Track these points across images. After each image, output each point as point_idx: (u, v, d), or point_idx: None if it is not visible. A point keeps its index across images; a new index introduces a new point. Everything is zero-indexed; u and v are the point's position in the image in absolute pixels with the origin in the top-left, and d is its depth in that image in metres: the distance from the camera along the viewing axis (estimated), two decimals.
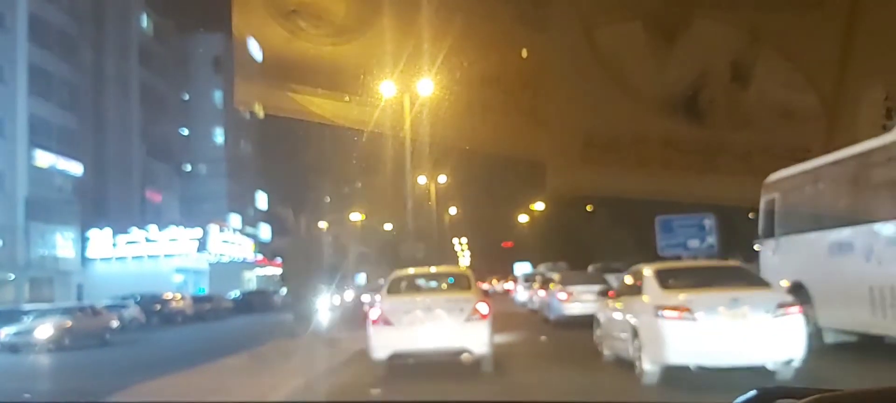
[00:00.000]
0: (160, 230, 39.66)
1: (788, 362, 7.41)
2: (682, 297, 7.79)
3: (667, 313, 7.76)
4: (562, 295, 16.99)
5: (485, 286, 43.21)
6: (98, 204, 40.41)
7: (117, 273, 38.37)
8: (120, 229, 39.39)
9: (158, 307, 30.78)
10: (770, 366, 7.44)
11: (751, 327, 7.50)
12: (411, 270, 12.03)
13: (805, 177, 9.48)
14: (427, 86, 14.87)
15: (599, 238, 32.67)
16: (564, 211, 36.53)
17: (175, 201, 49.15)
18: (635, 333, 8.20)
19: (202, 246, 40.45)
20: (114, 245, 39.02)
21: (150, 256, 39.37)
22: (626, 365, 8.43)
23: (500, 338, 11.43)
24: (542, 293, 20.34)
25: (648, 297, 8.23)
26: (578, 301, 15.44)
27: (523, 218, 53.72)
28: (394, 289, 10.43)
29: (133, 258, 39.31)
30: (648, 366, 7.87)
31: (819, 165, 8.63)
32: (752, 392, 1.77)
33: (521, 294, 26.97)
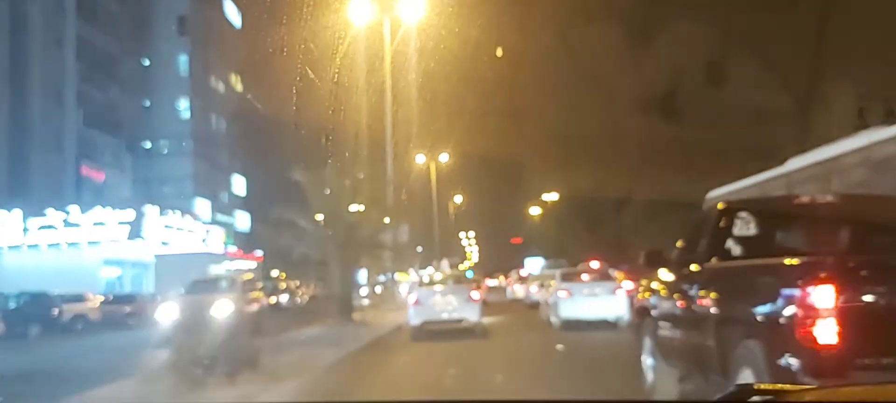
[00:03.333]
0: (83, 212, 30.80)
1: (619, 318, 15.19)
2: (569, 285, 16.64)
3: (560, 293, 16.44)
4: (533, 288, 25.42)
5: (494, 282, 46.51)
6: (13, 179, 31.84)
7: (30, 264, 29.94)
8: (38, 211, 30.66)
9: (54, 311, 22.15)
10: (611, 319, 15.46)
11: (600, 300, 15.93)
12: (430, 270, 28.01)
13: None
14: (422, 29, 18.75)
15: (634, 231, 31.35)
16: (588, 203, 37.44)
17: (125, 181, 40.75)
18: (549, 304, 17.87)
19: (135, 232, 31.63)
20: (25, 230, 30.18)
21: (69, 244, 30.51)
22: (549, 323, 17.12)
23: (494, 317, 19.22)
24: (519, 286, 31.51)
25: (555, 285, 17.32)
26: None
27: (536, 211, 54.26)
28: (423, 284, 18.14)
29: (49, 246, 30.40)
30: (554, 320, 16.63)
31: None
32: (733, 389, 2.14)
33: (514, 290, 34.05)
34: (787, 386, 2.14)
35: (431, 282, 18.26)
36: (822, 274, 3.90)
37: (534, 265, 40.44)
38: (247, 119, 51.07)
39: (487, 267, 57.50)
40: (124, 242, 33.12)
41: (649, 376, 7.01)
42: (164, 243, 36.38)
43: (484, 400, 5.55)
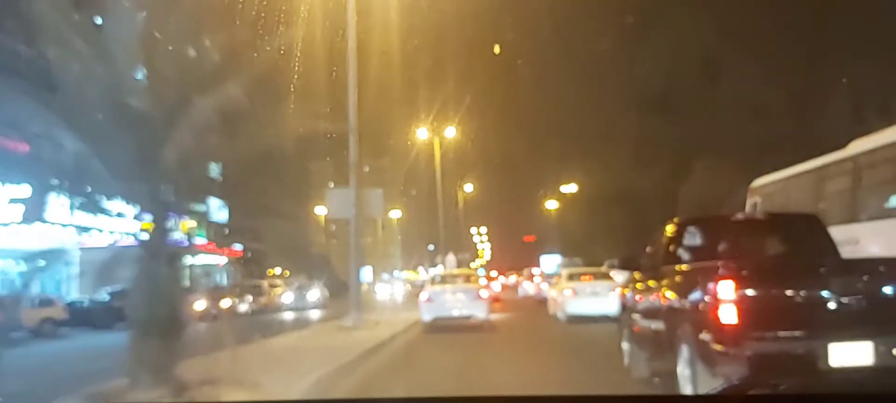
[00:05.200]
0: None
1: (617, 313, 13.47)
2: (574, 284, 19.35)
3: (566, 291, 19.31)
4: (544, 286, 27.97)
5: (507, 279, 48.74)
6: None
7: None
8: None
9: None
10: (611, 315, 13.39)
11: (600, 298, 17.80)
12: (440, 270, 30.79)
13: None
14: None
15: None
16: (614, 198, 37.36)
17: (61, 156, 32.57)
18: (556, 300, 20.95)
19: (34, 214, 23.76)
20: None
21: None
22: (556, 318, 20.30)
23: (506, 313, 22.79)
24: (529, 283, 36.22)
25: (562, 284, 20.27)
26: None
27: (553, 205, 55.01)
28: (434, 283, 19.35)
29: None
30: (561, 315, 19.58)
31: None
32: (725, 386, 2.55)
33: (524, 287, 39.19)
34: (774, 383, 2.57)
35: (443, 281, 19.57)
36: (725, 274, 5.84)
37: (549, 263, 41.36)
38: (223, 89, 43.54)
39: (501, 264, 58.51)
40: (19, 228, 25.41)
41: (626, 358, 9.15)
42: (82, 230, 28.71)
43: (487, 396, 5.32)
